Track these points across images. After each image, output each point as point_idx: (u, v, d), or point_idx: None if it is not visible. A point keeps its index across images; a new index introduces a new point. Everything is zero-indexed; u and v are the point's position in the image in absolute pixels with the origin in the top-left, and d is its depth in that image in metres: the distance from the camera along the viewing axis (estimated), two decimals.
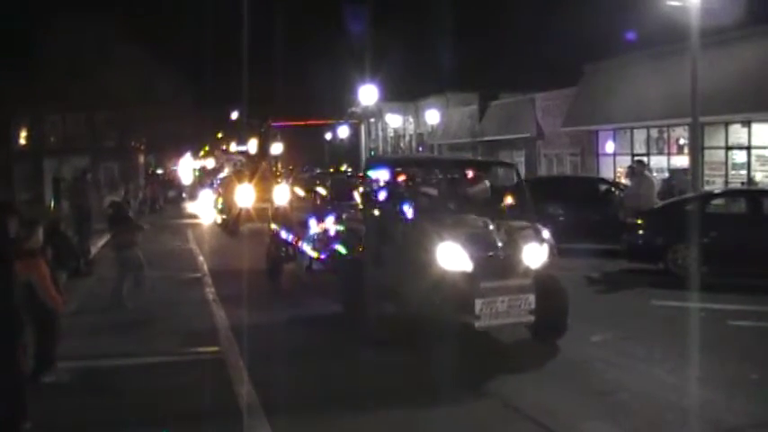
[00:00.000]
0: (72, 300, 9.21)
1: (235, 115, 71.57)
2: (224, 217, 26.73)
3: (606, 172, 29.44)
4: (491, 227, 9.25)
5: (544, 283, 8.95)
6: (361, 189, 11.53)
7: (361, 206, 11.34)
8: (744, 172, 23.23)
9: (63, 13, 32.41)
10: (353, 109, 55.83)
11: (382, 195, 10.57)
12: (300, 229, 13.46)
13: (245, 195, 24.32)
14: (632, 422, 6.80)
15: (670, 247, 14.00)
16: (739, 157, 23.61)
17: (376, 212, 10.38)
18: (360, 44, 42.27)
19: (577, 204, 18.25)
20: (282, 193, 23.66)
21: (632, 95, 26.97)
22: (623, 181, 23.06)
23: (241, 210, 24.21)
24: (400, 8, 47.19)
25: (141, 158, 48.62)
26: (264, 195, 22.98)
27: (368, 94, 42.71)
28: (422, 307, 8.68)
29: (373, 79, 41.67)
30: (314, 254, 12.49)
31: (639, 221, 14.98)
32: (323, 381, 8.04)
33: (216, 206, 29.36)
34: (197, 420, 6.85)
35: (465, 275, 8.70)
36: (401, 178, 12.07)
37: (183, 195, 43.75)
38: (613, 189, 19.42)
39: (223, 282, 14.24)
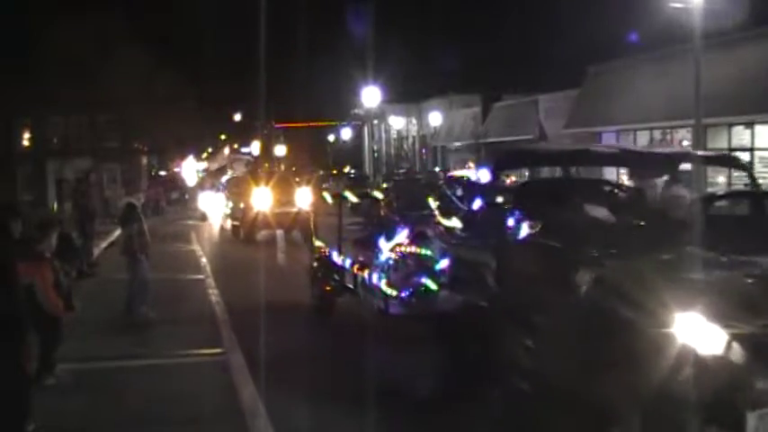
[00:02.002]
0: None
1: (238, 117, 71.75)
2: (235, 223, 24.15)
3: (609, 174, 29.39)
4: (737, 270, 5.68)
5: None
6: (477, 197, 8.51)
7: (438, 220, 8.80)
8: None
9: (65, 15, 32.45)
10: (356, 110, 55.96)
11: (528, 210, 7.19)
12: (361, 250, 10.67)
13: (263, 198, 22.02)
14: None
15: None
16: (742, 158, 23.58)
17: (522, 239, 6.97)
18: (363, 46, 42.29)
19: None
20: (306, 197, 21.13)
21: (635, 97, 26.95)
22: (626, 183, 23.03)
23: (258, 214, 21.82)
24: (403, 10, 47.18)
25: (144, 160, 48.62)
26: (284, 198, 21.73)
27: (371, 95, 42.77)
28: (634, 416, 5.11)
29: (376, 81, 41.75)
30: (390, 290, 9.01)
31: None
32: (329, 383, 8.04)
33: (224, 209, 27.10)
34: (199, 422, 6.86)
35: (726, 367, 4.91)
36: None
37: (186, 197, 43.75)
38: (616, 191, 19.38)
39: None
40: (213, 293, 13.44)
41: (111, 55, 34.89)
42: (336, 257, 10.90)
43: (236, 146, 75.15)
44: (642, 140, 28.52)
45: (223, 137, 77.87)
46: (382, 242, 9.58)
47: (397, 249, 9.37)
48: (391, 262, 9.36)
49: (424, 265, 8.97)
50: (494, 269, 6.97)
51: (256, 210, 21.78)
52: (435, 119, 47.32)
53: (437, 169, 44.09)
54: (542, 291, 6.18)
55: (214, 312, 11.79)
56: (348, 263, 10.49)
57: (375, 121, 57.13)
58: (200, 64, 50.49)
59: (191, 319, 11.33)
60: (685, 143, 26.16)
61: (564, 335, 5.81)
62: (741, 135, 23.69)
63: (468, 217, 8.48)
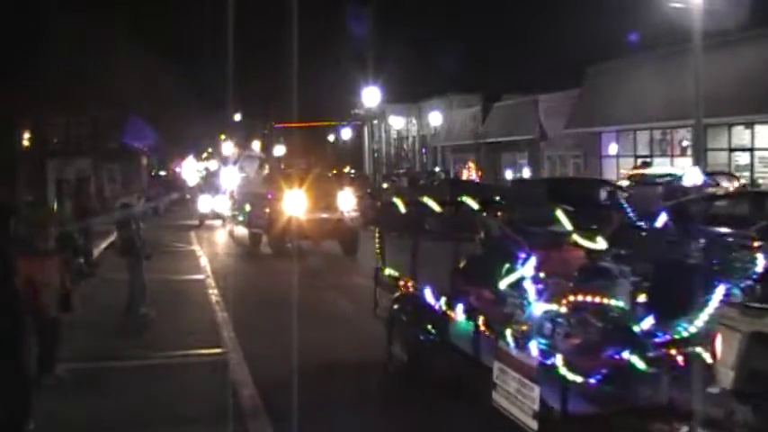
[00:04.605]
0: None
1: (238, 117, 71.77)
2: (256, 230, 20.80)
3: (609, 174, 29.43)
4: None
5: None
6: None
7: (575, 239, 6.26)
8: (747, 173, 23.22)
9: (66, 15, 32.46)
10: (357, 111, 55.93)
11: None
12: (472, 287, 6.74)
13: (297, 201, 18.61)
14: None
15: None
16: (742, 158, 23.62)
17: None
18: (363, 46, 42.31)
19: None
20: (348, 201, 18.72)
21: (635, 97, 26.97)
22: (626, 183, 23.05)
23: (290, 220, 18.25)
24: (403, 10, 47.17)
25: (144, 160, 48.65)
26: (323, 203, 18.85)
27: (371, 95, 42.80)
28: None
29: (376, 81, 41.76)
30: (571, 373, 5.28)
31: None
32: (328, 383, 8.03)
33: (234, 214, 24.27)
34: (199, 422, 6.87)
35: None
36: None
37: (187, 197, 43.71)
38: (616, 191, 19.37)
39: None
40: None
41: (112, 55, 34.93)
42: (431, 298, 7.32)
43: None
44: (642, 140, 28.55)
45: (223, 137, 77.97)
46: (528, 284, 5.84)
47: (569, 299, 5.61)
48: (561, 320, 5.64)
49: (619, 328, 5.48)
50: None
51: (288, 215, 18.36)
52: (435, 119, 47.32)
53: (437, 169, 44.08)
54: None
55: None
56: (461, 310, 6.76)
57: (375, 121, 57.11)
58: (200, 64, 50.54)
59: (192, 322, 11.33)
60: (685, 143, 26.20)
61: None
62: (741, 135, 23.72)
63: (637, 238, 5.90)
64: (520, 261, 5.96)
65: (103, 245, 18.84)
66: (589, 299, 5.57)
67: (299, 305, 9.86)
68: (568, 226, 6.46)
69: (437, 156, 51.20)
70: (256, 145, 65.36)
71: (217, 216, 28.70)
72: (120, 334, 10.31)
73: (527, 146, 37.78)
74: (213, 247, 22.65)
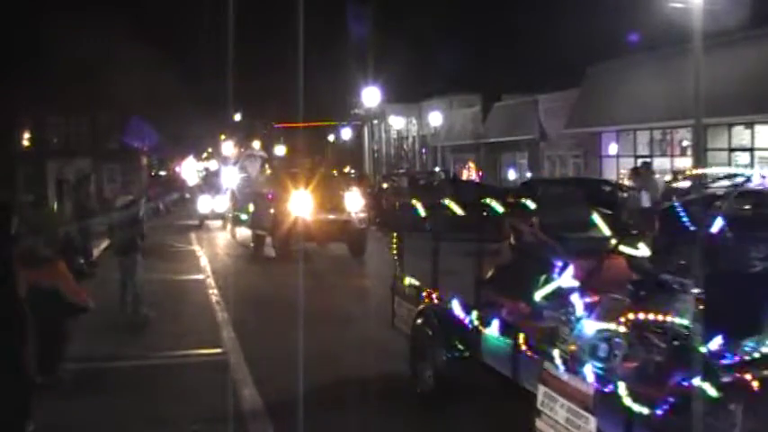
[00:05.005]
0: None
1: (238, 117, 71.81)
2: (260, 232, 20.31)
3: (609, 174, 29.43)
4: None
5: None
6: None
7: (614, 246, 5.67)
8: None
9: (66, 15, 32.52)
10: (357, 111, 55.93)
11: None
12: (505, 299, 6.47)
13: (303, 202, 18.16)
14: None
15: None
16: (742, 158, 23.61)
17: None
18: (363, 46, 42.31)
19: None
20: (356, 201, 18.19)
21: (635, 97, 26.96)
22: (626, 183, 23.07)
23: (297, 221, 17.82)
24: (403, 9, 47.19)
25: (144, 160, 48.69)
26: (329, 203, 18.56)
27: (371, 95, 42.86)
28: None
29: (376, 81, 41.80)
30: (635, 403, 4.56)
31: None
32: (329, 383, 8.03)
33: (237, 214, 23.62)
34: (200, 423, 6.86)
35: None
36: None
37: (187, 197, 43.72)
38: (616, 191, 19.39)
39: None
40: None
41: (112, 55, 34.99)
42: (460, 311, 6.82)
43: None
44: (642, 140, 28.54)
45: (223, 137, 78.01)
46: (576, 298, 5.27)
47: (628, 316, 4.95)
48: (618, 341, 4.98)
49: (687, 349, 4.71)
50: None
51: (294, 216, 17.99)
52: (435, 119, 47.32)
53: (437, 169, 44.08)
54: None
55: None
56: (496, 327, 6.20)
57: (375, 121, 57.10)
58: (201, 64, 50.57)
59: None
60: (685, 143, 26.19)
61: None
62: (741, 135, 23.71)
63: (683, 244, 5.19)
64: (557, 270, 5.40)
65: (103, 245, 18.85)
66: (651, 316, 4.88)
67: (299, 305, 9.91)
68: (607, 231, 5.87)
69: (437, 156, 51.17)
70: (257, 145, 65.42)
71: (217, 216, 28.72)
72: (120, 334, 10.31)
73: (527, 146, 37.77)
74: (213, 247, 22.65)
